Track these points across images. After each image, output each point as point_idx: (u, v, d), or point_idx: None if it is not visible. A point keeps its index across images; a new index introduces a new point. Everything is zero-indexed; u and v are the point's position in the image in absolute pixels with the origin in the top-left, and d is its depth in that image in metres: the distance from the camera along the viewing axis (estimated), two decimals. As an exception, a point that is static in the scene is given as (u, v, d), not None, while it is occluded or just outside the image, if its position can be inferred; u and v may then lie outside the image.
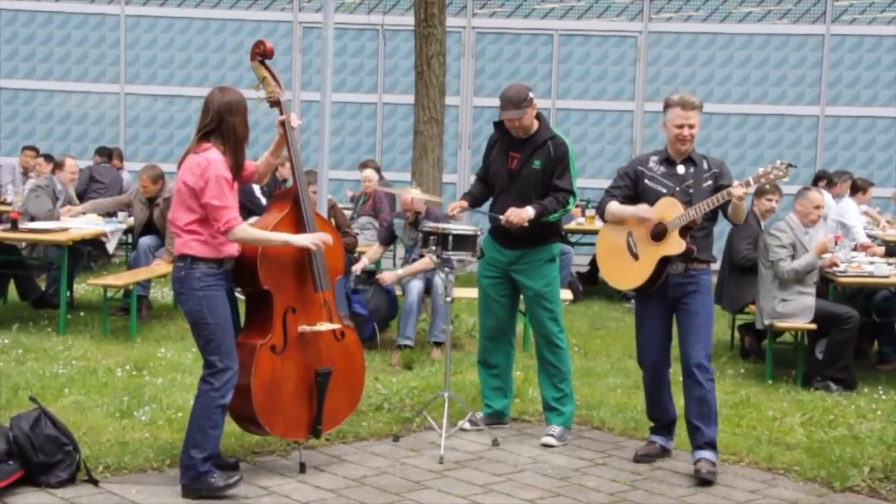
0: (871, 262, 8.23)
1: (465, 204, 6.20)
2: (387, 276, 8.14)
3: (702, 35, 13.73)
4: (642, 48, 13.74)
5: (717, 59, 13.72)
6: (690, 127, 5.50)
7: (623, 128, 13.82)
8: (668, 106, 5.56)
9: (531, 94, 5.97)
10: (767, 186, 8.43)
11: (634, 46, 13.78)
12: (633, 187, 5.63)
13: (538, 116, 6.07)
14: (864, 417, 6.69)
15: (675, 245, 5.41)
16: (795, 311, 7.56)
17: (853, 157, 13.57)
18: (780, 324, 7.63)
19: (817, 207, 7.80)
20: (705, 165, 5.57)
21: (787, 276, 7.52)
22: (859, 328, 7.64)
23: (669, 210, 5.43)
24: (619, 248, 5.61)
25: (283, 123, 5.26)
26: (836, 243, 9.30)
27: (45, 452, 4.89)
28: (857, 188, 11.14)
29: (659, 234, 5.46)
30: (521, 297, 6.23)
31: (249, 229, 5.02)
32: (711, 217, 5.52)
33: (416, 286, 8.08)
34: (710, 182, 5.50)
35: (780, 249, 7.57)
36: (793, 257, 7.56)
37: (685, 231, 5.42)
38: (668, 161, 5.60)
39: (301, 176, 5.29)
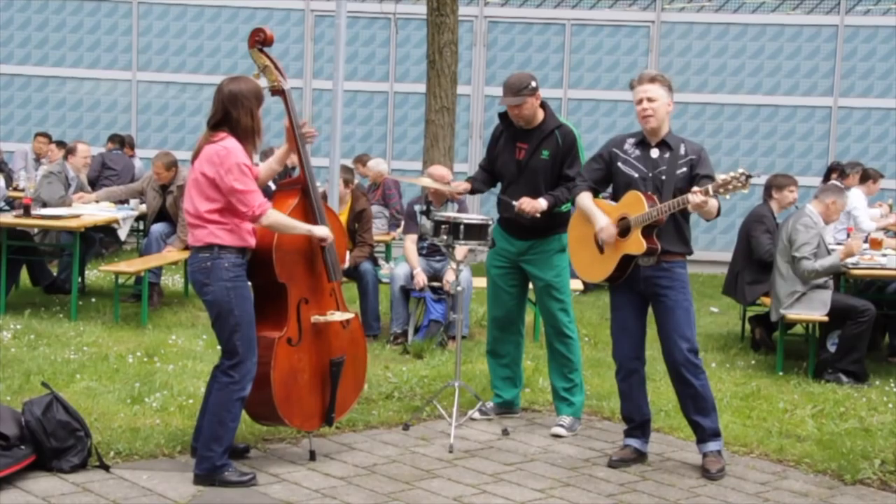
0: (884, 255, 8.21)
1: (468, 186, 6.21)
2: (450, 278, 7.99)
3: (714, 25, 13.68)
4: (655, 38, 13.69)
5: (729, 50, 13.67)
6: (650, 100, 5.27)
7: (634, 118, 13.69)
8: (631, 88, 5.40)
9: (534, 84, 5.91)
10: (782, 182, 8.41)
11: (647, 36, 13.74)
12: (606, 169, 5.46)
13: (544, 106, 6.04)
14: (875, 410, 6.67)
15: (636, 244, 5.24)
16: (813, 304, 7.54)
17: (866, 149, 13.52)
18: (792, 315, 7.62)
19: (841, 209, 7.84)
20: (682, 151, 5.33)
21: (808, 275, 7.48)
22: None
23: (634, 206, 5.25)
24: (587, 239, 5.48)
25: (291, 126, 5.21)
26: (848, 235, 9.28)
27: (57, 437, 4.91)
28: (867, 176, 11.08)
29: (623, 229, 5.30)
30: (531, 286, 6.23)
31: (280, 215, 4.97)
32: (684, 211, 5.29)
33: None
34: (684, 169, 5.28)
35: (806, 247, 7.49)
36: (815, 255, 7.52)
37: (650, 229, 5.23)
38: (643, 143, 5.40)
39: (309, 166, 5.27)
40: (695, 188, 5.11)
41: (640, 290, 5.39)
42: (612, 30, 13.79)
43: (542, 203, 5.87)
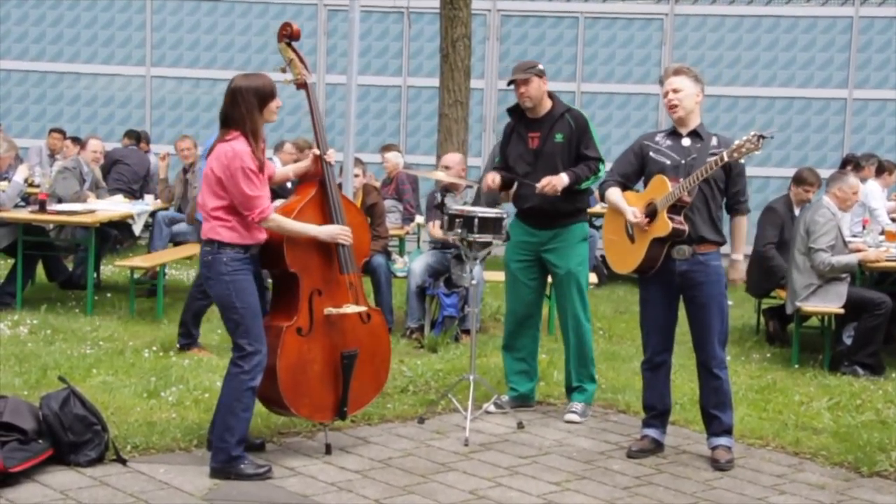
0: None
1: (497, 176, 6.15)
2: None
3: (728, 17, 13.61)
4: (668, 31, 13.64)
5: (743, 42, 13.61)
6: (675, 91, 5.35)
7: (648, 111, 13.74)
8: (662, 83, 5.50)
9: (541, 67, 6.03)
10: (805, 176, 8.37)
11: (660, 29, 13.69)
12: (637, 163, 5.51)
13: (551, 95, 6.11)
14: (891, 402, 6.65)
15: (662, 226, 5.25)
16: (829, 297, 7.52)
17: (881, 141, 13.44)
18: (808, 308, 7.59)
19: (855, 193, 7.76)
20: (714, 142, 5.37)
21: (823, 269, 7.45)
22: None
23: (659, 190, 5.29)
24: (619, 231, 5.51)
25: (318, 158, 5.24)
26: (863, 227, 9.24)
27: (75, 432, 4.94)
28: (882, 169, 11.04)
29: (651, 215, 5.32)
30: (549, 280, 6.23)
31: (281, 219, 5.02)
32: (716, 195, 5.35)
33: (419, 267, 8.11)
34: (716, 158, 5.26)
35: (823, 239, 7.46)
36: (833, 247, 7.48)
37: (677, 210, 5.25)
38: (674, 134, 5.46)
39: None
40: (709, 160, 5.18)
41: (674, 284, 5.39)
42: (625, 23, 13.74)
43: (563, 179, 5.89)
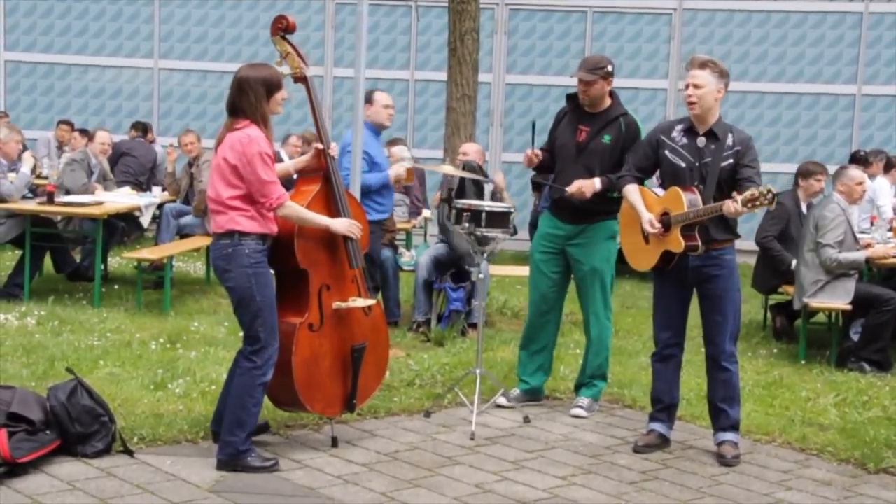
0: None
1: (538, 153, 6.12)
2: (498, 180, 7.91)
3: (737, 13, 13.58)
4: (677, 25, 13.61)
5: (752, 37, 13.57)
6: (696, 87, 5.26)
7: (656, 106, 13.71)
8: (687, 69, 5.40)
9: (610, 68, 5.96)
10: (811, 168, 8.36)
11: (669, 24, 13.66)
12: (653, 156, 5.46)
13: (612, 95, 6.07)
14: (898, 399, 6.65)
15: (675, 242, 5.25)
16: (836, 293, 7.50)
17: (890, 137, 13.40)
18: (815, 304, 7.58)
19: (859, 184, 7.73)
20: (729, 141, 5.30)
21: (830, 264, 7.44)
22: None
23: (674, 203, 5.26)
24: (635, 227, 5.49)
25: (321, 153, 5.23)
26: (871, 224, 9.22)
27: (82, 423, 4.95)
28: (891, 165, 11.01)
29: (665, 224, 5.30)
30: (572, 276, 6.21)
31: (297, 207, 4.99)
32: (726, 197, 5.26)
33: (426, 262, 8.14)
34: (730, 160, 5.26)
35: (831, 234, 7.45)
36: (841, 242, 7.46)
37: (690, 228, 5.23)
38: (691, 131, 5.37)
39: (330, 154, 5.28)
40: (735, 194, 5.09)
41: (688, 279, 5.38)
42: (633, 17, 13.71)
43: (595, 184, 5.88)
